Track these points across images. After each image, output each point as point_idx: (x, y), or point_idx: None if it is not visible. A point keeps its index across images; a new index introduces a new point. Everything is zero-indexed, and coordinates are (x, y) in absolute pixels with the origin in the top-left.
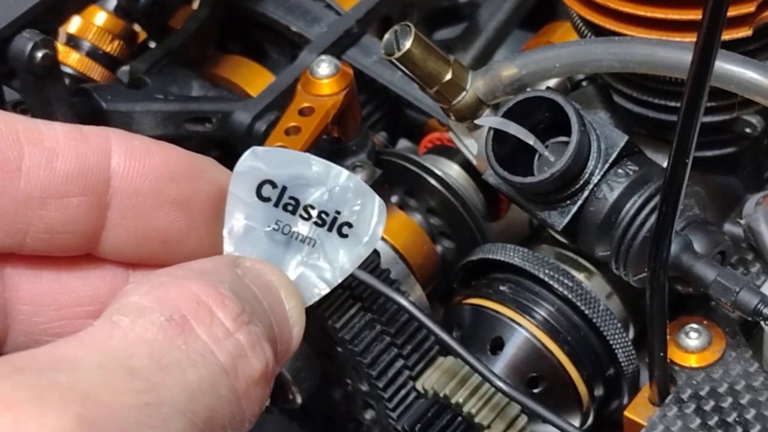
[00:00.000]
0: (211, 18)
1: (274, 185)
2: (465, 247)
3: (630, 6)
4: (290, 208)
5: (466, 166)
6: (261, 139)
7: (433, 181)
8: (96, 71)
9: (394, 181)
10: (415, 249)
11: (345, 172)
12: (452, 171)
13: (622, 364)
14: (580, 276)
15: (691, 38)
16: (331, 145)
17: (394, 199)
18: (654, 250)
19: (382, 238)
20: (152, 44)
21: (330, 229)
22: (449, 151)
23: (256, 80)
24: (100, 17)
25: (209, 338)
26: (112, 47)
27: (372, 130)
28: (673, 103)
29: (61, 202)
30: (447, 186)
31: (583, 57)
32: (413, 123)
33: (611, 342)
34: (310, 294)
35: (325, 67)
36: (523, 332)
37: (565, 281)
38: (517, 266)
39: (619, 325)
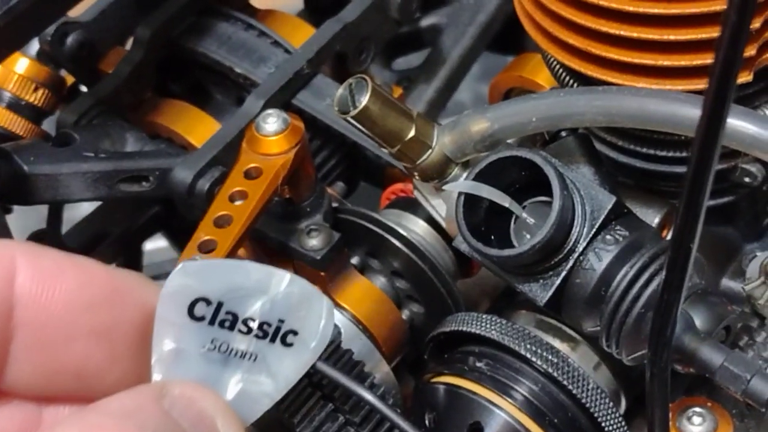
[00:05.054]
0: (146, 60)
1: (208, 302)
2: (434, 312)
3: (615, 51)
4: (227, 324)
5: (433, 222)
6: (204, 199)
7: (396, 242)
8: (19, 125)
9: (354, 242)
10: (380, 319)
11: (287, 276)
12: (418, 228)
13: None
14: (564, 346)
15: (683, 86)
16: (282, 208)
17: (354, 261)
18: (655, 335)
19: (344, 309)
20: (84, 88)
21: (273, 340)
22: (414, 205)
23: (198, 128)
24: (22, 64)
25: None
26: (35, 97)
27: (327, 180)
28: (662, 153)
29: None
30: (412, 247)
31: (563, 110)
32: (373, 165)
33: (602, 423)
34: (251, 412)
35: (272, 122)
36: (503, 415)
37: (549, 357)
38: (494, 340)
39: (611, 404)
